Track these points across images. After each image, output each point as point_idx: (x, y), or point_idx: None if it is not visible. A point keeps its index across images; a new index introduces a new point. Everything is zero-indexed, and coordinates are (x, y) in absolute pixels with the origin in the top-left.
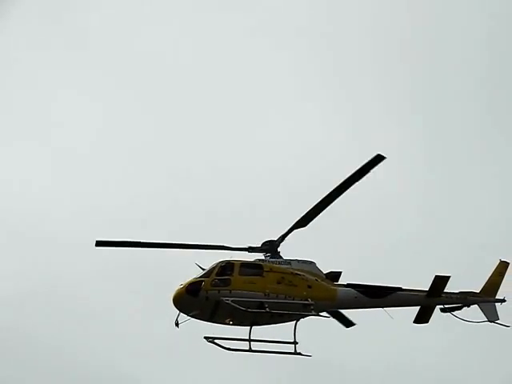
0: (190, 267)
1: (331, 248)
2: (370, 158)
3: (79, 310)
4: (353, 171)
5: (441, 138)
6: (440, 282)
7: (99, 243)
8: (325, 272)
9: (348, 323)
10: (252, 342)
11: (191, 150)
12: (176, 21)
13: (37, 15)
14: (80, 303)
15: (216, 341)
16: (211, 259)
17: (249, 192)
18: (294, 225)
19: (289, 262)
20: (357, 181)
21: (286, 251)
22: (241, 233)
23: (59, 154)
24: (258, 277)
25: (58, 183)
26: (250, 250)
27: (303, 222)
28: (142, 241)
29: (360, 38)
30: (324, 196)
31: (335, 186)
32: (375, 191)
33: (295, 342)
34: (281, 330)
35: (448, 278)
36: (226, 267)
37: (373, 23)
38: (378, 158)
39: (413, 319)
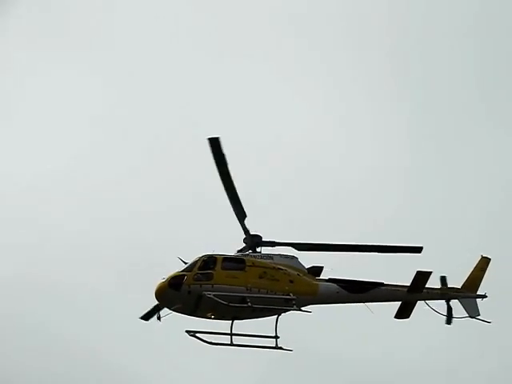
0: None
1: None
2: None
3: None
4: (385, 244)
5: (427, 125)
6: (421, 277)
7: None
8: (307, 267)
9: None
10: (233, 336)
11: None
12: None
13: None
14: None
15: (198, 335)
16: (194, 253)
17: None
18: (291, 243)
19: (271, 256)
20: (377, 252)
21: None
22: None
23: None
24: (240, 271)
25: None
26: (246, 232)
27: (301, 247)
28: None
29: (347, 26)
30: (335, 243)
31: (355, 244)
32: (358, 182)
33: (276, 337)
34: (262, 325)
35: (430, 273)
36: (208, 261)
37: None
38: (416, 249)
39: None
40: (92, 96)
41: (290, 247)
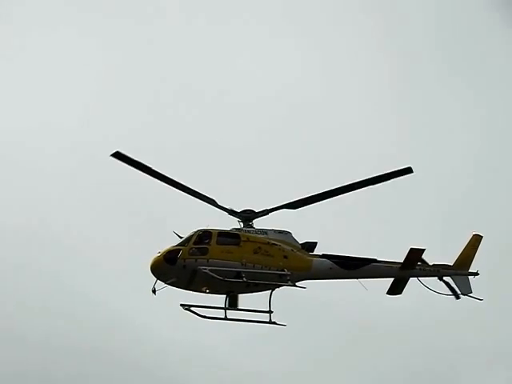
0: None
1: (307, 217)
2: (399, 168)
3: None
4: (372, 175)
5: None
6: (415, 254)
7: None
8: (300, 242)
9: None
10: (227, 311)
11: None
12: None
13: None
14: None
15: (192, 308)
16: (189, 227)
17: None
18: (284, 205)
19: (265, 231)
20: (371, 185)
21: (263, 221)
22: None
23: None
24: (235, 246)
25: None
26: (231, 212)
27: (295, 205)
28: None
29: None
30: (328, 190)
31: (344, 185)
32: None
33: (270, 311)
34: (255, 299)
35: (423, 250)
36: (203, 236)
37: None
38: (407, 171)
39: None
40: (94, 55)
41: (285, 209)
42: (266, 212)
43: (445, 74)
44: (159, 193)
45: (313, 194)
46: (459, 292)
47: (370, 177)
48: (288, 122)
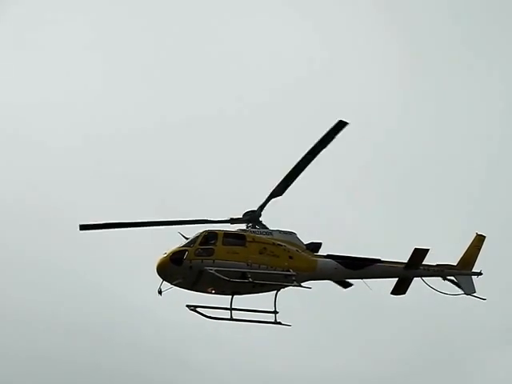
0: None
1: (312, 218)
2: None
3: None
4: (319, 138)
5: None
6: (419, 254)
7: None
8: (305, 243)
9: (346, 284)
10: (233, 311)
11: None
12: None
13: None
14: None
15: (198, 309)
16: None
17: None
18: (270, 194)
19: (270, 232)
20: (324, 147)
21: (268, 222)
22: None
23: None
24: (240, 247)
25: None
26: (232, 221)
27: (278, 190)
28: (125, 221)
29: None
30: (295, 164)
31: (303, 155)
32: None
33: (275, 312)
34: (260, 300)
35: (427, 250)
36: (209, 237)
37: None
38: (341, 124)
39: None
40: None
41: (272, 198)
42: (261, 208)
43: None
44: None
45: (286, 174)
46: (463, 292)
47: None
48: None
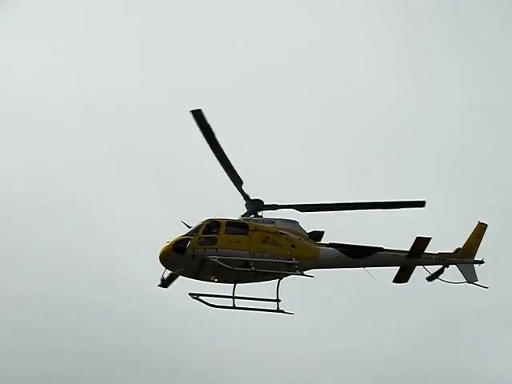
0: None
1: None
2: (411, 200)
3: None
4: (387, 200)
5: None
6: (421, 243)
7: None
8: (308, 231)
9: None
10: (236, 299)
11: None
12: None
13: None
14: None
15: (201, 297)
16: (197, 217)
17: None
18: (293, 205)
19: (273, 220)
20: (383, 208)
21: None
22: None
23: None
24: (243, 236)
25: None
26: (246, 198)
27: (303, 208)
28: None
29: None
30: (339, 203)
31: (358, 202)
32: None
33: (278, 300)
34: (262, 288)
35: (429, 239)
36: (212, 226)
37: None
38: (419, 204)
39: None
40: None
41: (292, 209)
42: (274, 207)
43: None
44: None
45: (323, 203)
46: (465, 280)
47: (383, 201)
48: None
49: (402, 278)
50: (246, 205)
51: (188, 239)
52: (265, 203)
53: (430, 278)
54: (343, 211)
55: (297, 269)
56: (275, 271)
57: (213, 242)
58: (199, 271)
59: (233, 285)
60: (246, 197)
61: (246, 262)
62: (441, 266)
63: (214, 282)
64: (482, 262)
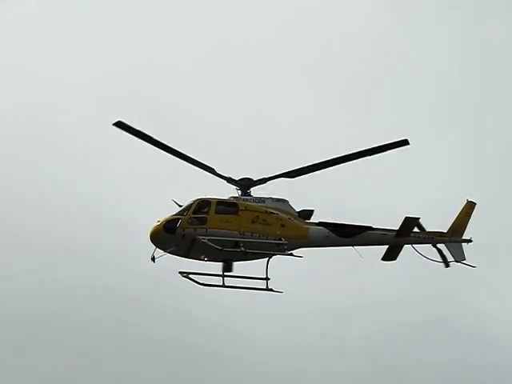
0: None
1: (304, 186)
2: (394, 140)
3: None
4: (371, 146)
5: None
6: (409, 222)
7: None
8: (297, 210)
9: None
10: (225, 278)
11: None
12: None
13: None
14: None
15: (190, 276)
16: (187, 196)
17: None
18: (282, 174)
19: (263, 199)
20: (369, 155)
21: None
22: None
23: None
24: (233, 215)
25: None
26: (230, 180)
27: (293, 174)
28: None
29: None
30: (326, 160)
31: (344, 155)
32: None
33: (267, 278)
34: (252, 266)
35: (418, 219)
36: (202, 205)
37: None
38: (403, 142)
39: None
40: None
41: (282, 178)
42: (263, 180)
43: None
44: None
45: (310, 164)
46: (453, 259)
47: (367, 148)
48: None
49: (390, 256)
50: (236, 185)
51: (178, 219)
52: (254, 179)
53: (446, 265)
54: (332, 167)
55: (286, 249)
56: (265, 252)
57: (203, 221)
58: (189, 251)
59: (222, 263)
60: (229, 179)
61: (236, 242)
62: (437, 250)
63: (203, 260)
64: (470, 240)
